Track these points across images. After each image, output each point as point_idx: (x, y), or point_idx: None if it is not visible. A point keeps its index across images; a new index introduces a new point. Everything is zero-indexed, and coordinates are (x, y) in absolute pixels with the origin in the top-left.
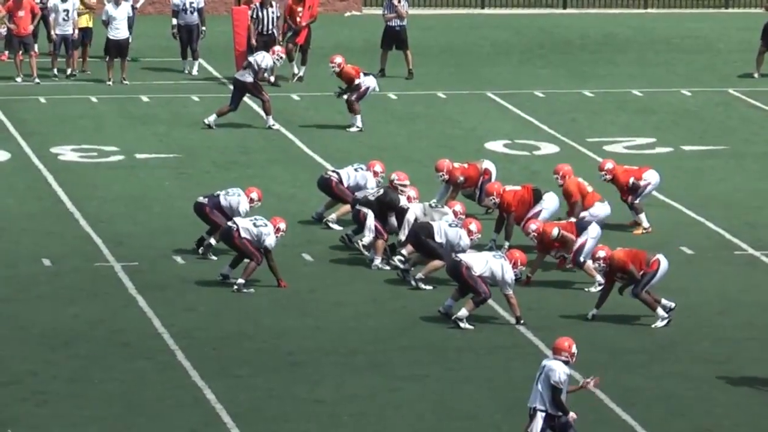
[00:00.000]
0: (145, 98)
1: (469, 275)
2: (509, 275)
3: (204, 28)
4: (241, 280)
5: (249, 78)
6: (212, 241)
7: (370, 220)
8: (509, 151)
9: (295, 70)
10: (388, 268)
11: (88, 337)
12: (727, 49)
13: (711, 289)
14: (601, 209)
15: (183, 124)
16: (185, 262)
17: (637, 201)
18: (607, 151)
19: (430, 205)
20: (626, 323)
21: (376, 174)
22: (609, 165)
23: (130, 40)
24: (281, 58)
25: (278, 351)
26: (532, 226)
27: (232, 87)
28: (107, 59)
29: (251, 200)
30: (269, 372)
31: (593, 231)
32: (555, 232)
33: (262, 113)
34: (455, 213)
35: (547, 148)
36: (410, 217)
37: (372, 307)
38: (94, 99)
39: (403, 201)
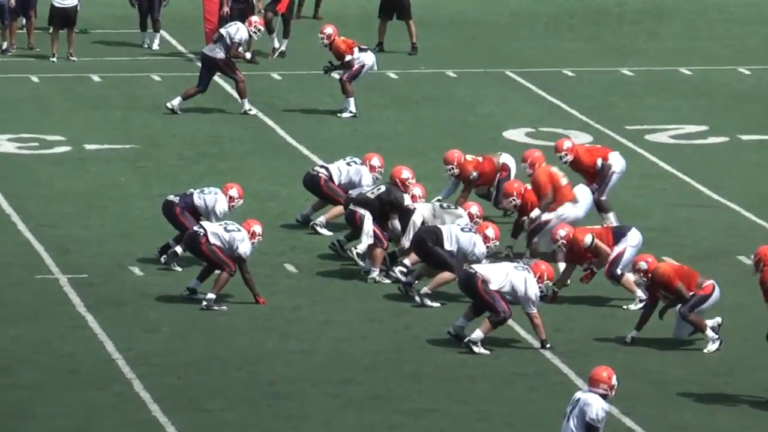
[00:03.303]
0: (96, 78)
1: (485, 290)
2: (533, 291)
3: None
4: (211, 295)
5: (220, 54)
6: (178, 249)
7: (368, 224)
8: (532, 141)
9: (276, 44)
10: (387, 281)
11: (29, 363)
12: None
13: None
14: (572, 210)
15: (142, 109)
16: (144, 273)
17: (604, 197)
18: (650, 140)
19: (440, 206)
20: (672, 347)
21: (372, 169)
22: (568, 143)
23: (78, 8)
24: (259, 30)
25: (256, 380)
26: (561, 232)
27: (200, 64)
28: (51, 31)
29: (230, 198)
30: (245, 405)
31: (633, 239)
32: (588, 239)
33: (236, 96)
34: (471, 216)
35: (579, 138)
36: (416, 219)
37: (368, 328)
38: (35, 78)
39: (407, 200)
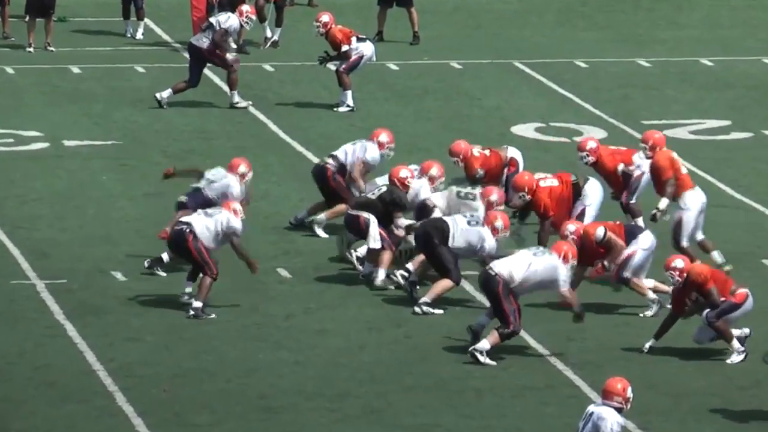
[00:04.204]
0: (75, 69)
1: (504, 295)
2: (562, 272)
3: None
4: (197, 303)
5: (209, 44)
6: (164, 256)
7: (374, 228)
8: (542, 136)
9: (268, 33)
10: (392, 287)
11: (3, 374)
12: None
13: None
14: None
15: (125, 103)
16: (127, 278)
17: (633, 200)
18: (668, 136)
19: (458, 194)
20: (693, 358)
21: (381, 145)
22: (592, 144)
23: None
24: (251, 20)
25: (247, 393)
26: (571, 227)
27: (187, 55)
28: (27, 19)
29: (242, 176)
30: (235, 420)
31: (645, 241)
32: (600, 232)
33: (226, 88)
34: (489, 204)
35: (591, 133)
36: (436, 202)
37: (367, 337)
38: (10, 70)
39: (425, 192)
